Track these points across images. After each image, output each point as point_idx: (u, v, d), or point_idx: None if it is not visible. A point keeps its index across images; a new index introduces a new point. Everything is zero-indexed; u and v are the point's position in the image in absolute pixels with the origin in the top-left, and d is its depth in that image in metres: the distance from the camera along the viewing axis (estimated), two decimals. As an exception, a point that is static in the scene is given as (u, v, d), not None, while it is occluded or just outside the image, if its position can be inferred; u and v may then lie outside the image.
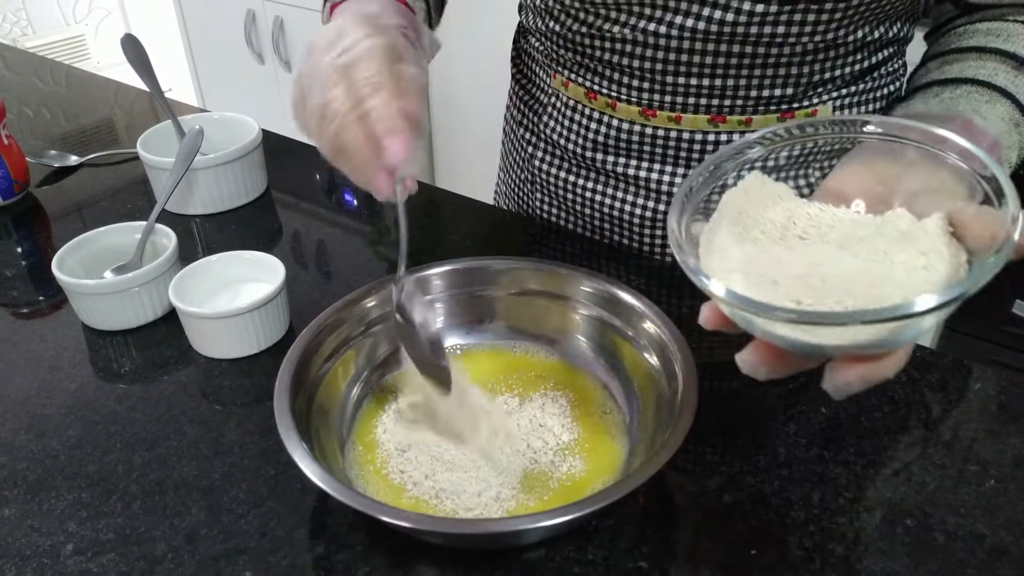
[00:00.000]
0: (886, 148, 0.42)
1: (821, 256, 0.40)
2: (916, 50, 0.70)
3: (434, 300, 0.62)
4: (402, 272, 0.54)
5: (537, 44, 0.75)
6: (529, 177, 0.81)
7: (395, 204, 0.51)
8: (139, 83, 0.94)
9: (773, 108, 0.65)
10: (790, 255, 0.41)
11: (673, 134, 0.67)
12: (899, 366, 0.38)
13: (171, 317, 0.67)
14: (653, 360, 0.55)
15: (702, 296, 0.39)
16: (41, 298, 0.72)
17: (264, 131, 0.88)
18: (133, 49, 0.88)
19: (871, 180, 0.42)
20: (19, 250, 0.80)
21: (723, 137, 0.67)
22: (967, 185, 0.39)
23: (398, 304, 0.54)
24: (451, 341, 0.62)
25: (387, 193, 0.49)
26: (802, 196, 0.44)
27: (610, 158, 0.72)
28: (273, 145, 0.96)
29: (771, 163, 0.45)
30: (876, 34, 0.63)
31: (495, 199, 0.93)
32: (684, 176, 0.69)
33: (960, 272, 0.37)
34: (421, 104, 0.50)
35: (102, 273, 0.69)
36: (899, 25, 0.65)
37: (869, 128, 0.43)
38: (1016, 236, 0.35)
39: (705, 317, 0.39)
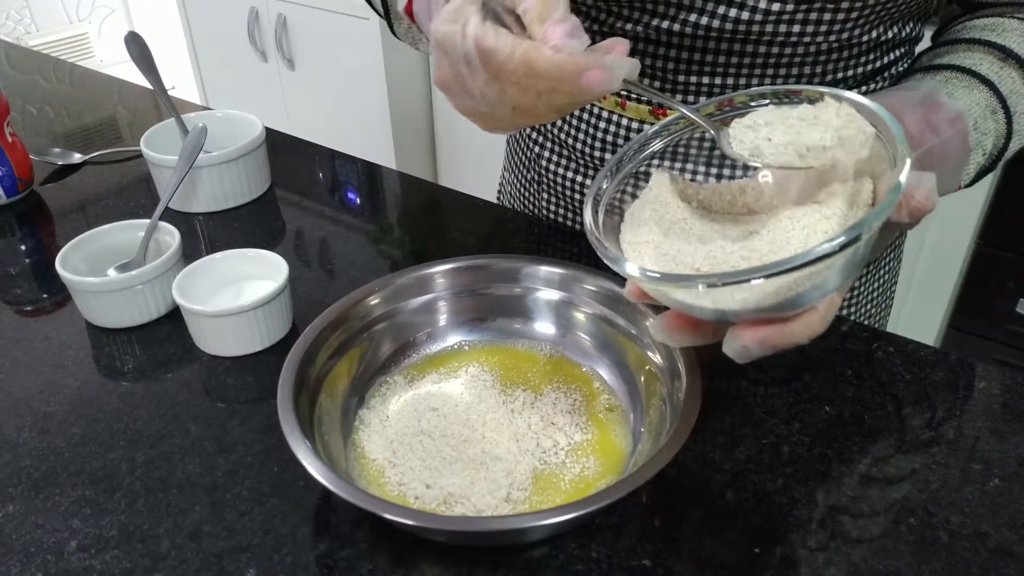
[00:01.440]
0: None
1: (720, 231, 0.45)
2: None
3: (437, 298, 0.62)
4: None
5: None
6: (536, 177, 0.80)
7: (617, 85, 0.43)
8: (142, 81, 0.94)
9: None
10: (696, 230, 0.45)
11: None
12: (809, 331, 0.39)
13: (174, 315, 0.67)
14: (656, 358, 0.55)
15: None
16: (45, 296, 0.72)
17: (267, 129, 0.88)
18: (136, 47, 0.88)
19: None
20: (23, 248, 0.80)
21: None
22: (877, 141, 0.40)
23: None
24: (454, 339, 0.62)
25: (600, 80, 0.42)
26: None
27: None
28: (276, 143, 0.96)
29: (673, 152, 0.50)
30: (890, 34, 0.63)
31: (498, 198, 0.93)
32: (691, 176, 0.69)
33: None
34: None
35: (106, 271, 0.69)
36: (912, 25, 0.65)
37: (793, 99, 0.44)
38: (902, 178, 0.36)
39: (628, 291, 0.45)
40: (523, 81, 0.41)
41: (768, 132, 0.42)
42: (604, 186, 0.47)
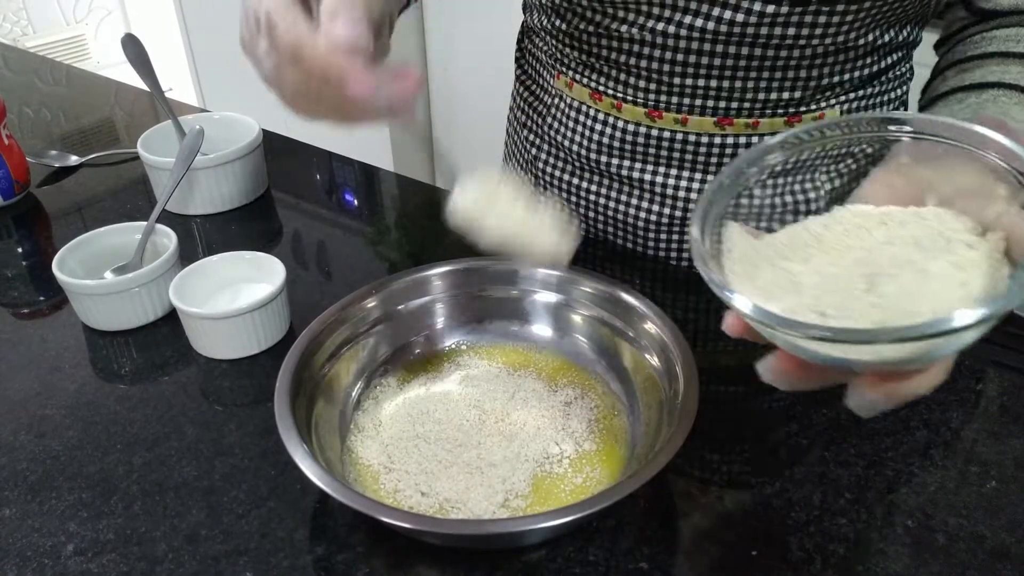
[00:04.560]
0: (919, 151, 0.40)
1: (848, 264, 0.39)
2: (922, 52, 0.70)
3: (434, 300, 0.62)
4: None
5: (542, 44, 0.75)
6: (532, 179, 0.80)
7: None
8: (139, 83, 0.94)
9: (780, 111, 0.65)
10: (817, 264, 0.39)
11: (679, 136, 0.67)
12: (934, 383, 0.36)
13: (171, 317, 0.67)
14: (654, 361, 0.55)
15: (707, 299, 0.38)
16: (41, 298, 0.72)
17: (264, 131, 0.88)
18: (133, 49, 0.88)
19: (903, 186, 0.40)
20: (19, 250, 0.80)
21: (729, 140, 0.66)
22: (1008, 187, 0.37)
23: None
24: (452, 341, 0.62)
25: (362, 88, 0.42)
26: (830, 200, 0.42)
27: (615, 160, 0.71)
28: (273, 145, 0.96)
29: (791, 166, 0.44)
30: (886, 38, 0.62)
31: (496, 199, 0.93)
32: (688, 179, 0.69)
33: (999, 285, 0.35)
34: None
35: (102, 273, 0.69)
36: (909, 28, 0.65)
37: (895, 128, 0.41)
38: None
39: (729, 325, 0.38)
40: (295, 63, 0.41)
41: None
42: (714, 195, 0.42)
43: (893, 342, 0.32)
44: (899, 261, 0.37)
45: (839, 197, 0.43)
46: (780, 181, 0.44)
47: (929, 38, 0.68)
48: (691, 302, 0.68)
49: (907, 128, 0.41)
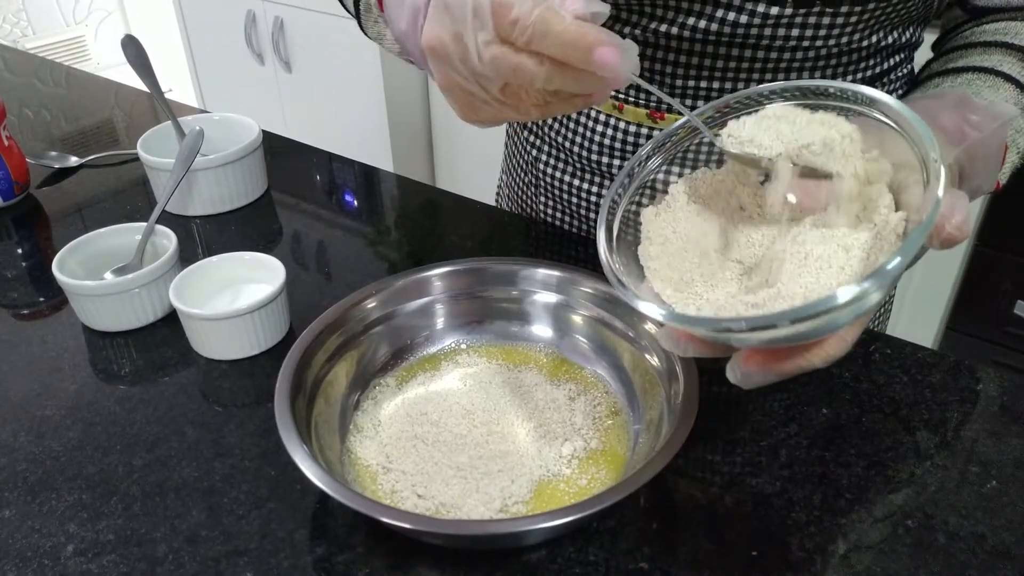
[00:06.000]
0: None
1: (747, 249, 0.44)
2: (923, 53, 0.70)
3: (434, 301, 0.62)
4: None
5: None
6: (533, 180, 0.80)
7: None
8: (139, 84, 0.94)
9: None
10: (712, 256, 0.44)
11: None
12: (825, 355, 0.38)
13: (171, 318, 0.67)
14: (654, 361, 0.55)
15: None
16: (41, 299, 0.72)
17: (264, 132, 0.88)
18: (133, 50, 0.88)
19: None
20: (19, 251, 0.80)
21: None
22: (919, 160, 0.38)
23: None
24: (452, 341, 0.62)
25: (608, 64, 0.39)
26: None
27: (616, 161, 0.71)
28: (273, 146, 0.96)
29: (682, 158, 0.48)
30: (889, 39, 0.62)
31: (496, 201, 0.93)
32: None
33: (875, 257, 0.37)
34: None
35: (102, 274, 0.69)
36: (911, 30, 0.65)
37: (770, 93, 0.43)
38: (931, 217, 0.34)
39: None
40: (531, 45, 0.38)
41: (771, 125, 0.41)
42: (617, 202, 0.46)
43: (759, 330, 0.35)
44: (790, 242, 0.40)
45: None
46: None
47: (929, 38, 0.69)
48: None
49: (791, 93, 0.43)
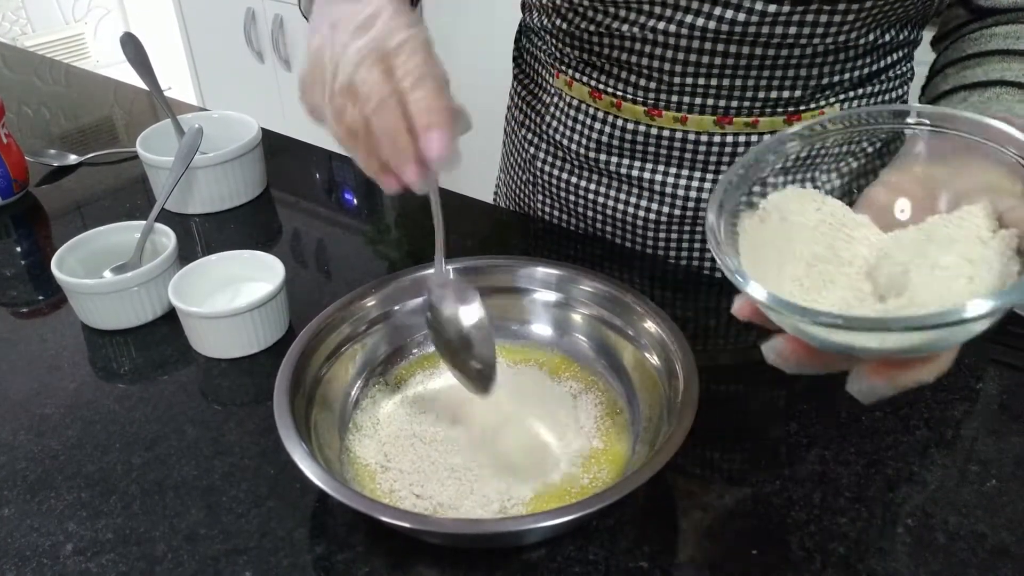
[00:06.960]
0: (931, 146, 0.40)
1: (860, 255, 0.40)
2: (923, 51, 0.70)
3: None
4: (440, 265, 0.53)
5: (540, 43, 0.75)
6: (531, 178, 0.80)
7: (424, 194, 0.49)
8: (138, 82, 0.94)
9: (780, 110, 0.65)
10: (830, 254, 0.40)
11: (678, 135, 0.67)
12: (938, 372, 0.36)
13: (171, 317, 0.67)
14: (654, 360, 0.55)
15: (707, 297, 0.39)
16: (40, 298, 0.72)
17: (264, 130, 0.87)
18: (132, 48, 0.88)
19: (915, 185, 0.41)
20: (18, 249, 0.80)
21: (728, 139, 0.66)
22: (1022, 181, 0.37)
23: (428, 301, 0.54)
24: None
25: (414, 182, 0.47)
26: (844, 192, 0.43)
27: (614, 159, 0.71)
28: (273, 144, 0.95)
29: (809, 156, 0.44)
30: (887, 37, 0.62)
31: (495, 199, 0.93)
32: (687, 178, 0.69)
33: (1007, 281, 0.35)
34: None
35: (101, 273, 0.69)
36: (910, 28, 0.65)
37: (912, 119, 0.41)
38: None
39: (738, 308, 0.39)
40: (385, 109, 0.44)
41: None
42: (731, 182, 0.42)
43: (902, 331, 0.33)
44: (910, 253, 0.38)
45: (845, 194, 0.43)
46: (790, 177, 0.45)
47: (929, 36, 0.68)
48: (691, 300, 0.68)
49: (925, 122, 0.41)
